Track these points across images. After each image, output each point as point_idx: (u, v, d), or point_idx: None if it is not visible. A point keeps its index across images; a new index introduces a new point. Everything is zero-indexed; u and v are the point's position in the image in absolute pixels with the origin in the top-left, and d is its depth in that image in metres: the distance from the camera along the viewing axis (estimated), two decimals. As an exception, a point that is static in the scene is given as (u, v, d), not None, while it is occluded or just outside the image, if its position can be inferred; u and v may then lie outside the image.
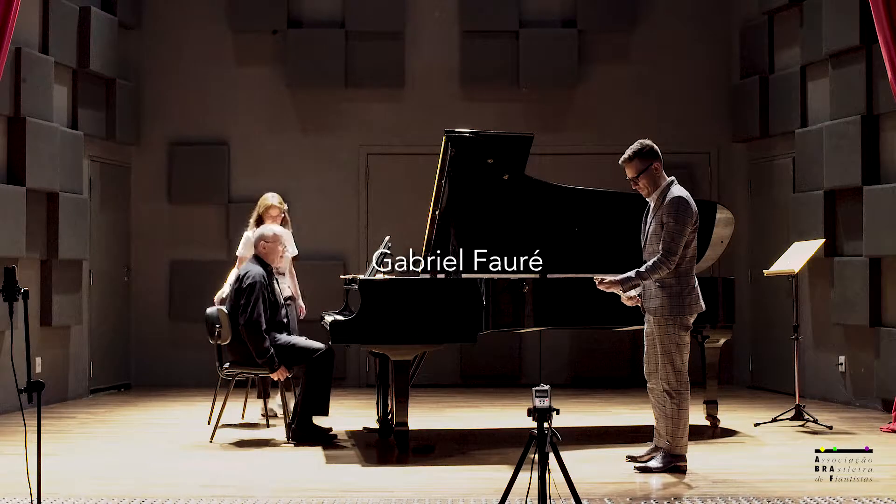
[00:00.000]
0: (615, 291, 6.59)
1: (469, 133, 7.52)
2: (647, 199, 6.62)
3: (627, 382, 11.06)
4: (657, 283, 6.46)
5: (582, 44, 11.53)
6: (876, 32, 8.27)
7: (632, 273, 6.46)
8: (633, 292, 6.62)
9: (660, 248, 6.40)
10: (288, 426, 7.73)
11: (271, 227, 8.07)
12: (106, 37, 10.67)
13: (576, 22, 11.54)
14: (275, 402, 8.70)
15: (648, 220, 6.60)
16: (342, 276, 8.76)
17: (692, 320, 6.51)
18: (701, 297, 6.54)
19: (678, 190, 6.52)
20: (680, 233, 6.38)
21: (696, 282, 6.54)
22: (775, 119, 10.74)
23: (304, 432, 7.62)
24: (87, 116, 10.48)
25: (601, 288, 6.58)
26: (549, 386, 4.93)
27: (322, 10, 11.57)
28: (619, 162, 6.60)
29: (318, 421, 7.79)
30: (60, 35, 9.95)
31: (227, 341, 7.76)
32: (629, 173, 6.57)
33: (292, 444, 7.56)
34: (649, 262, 6.42)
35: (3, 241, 8.89)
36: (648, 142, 6.59)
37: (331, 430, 7.77)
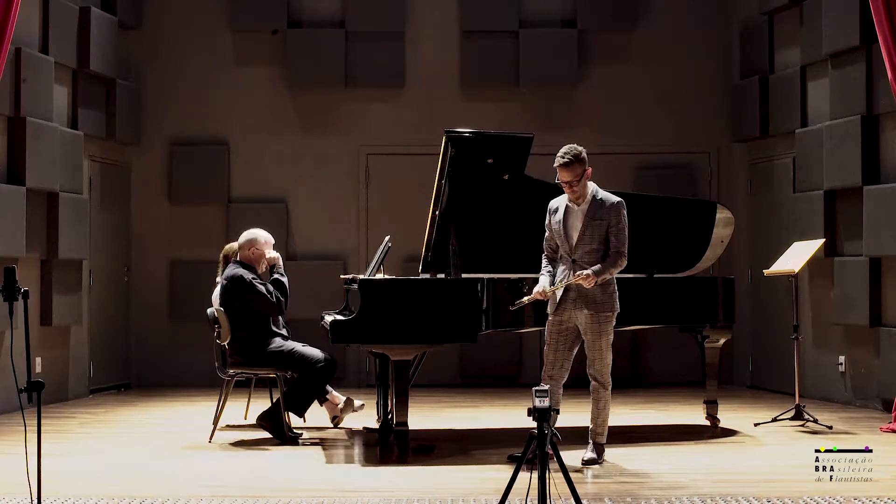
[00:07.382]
0: (584, 284, 6.59)
1: (469, 133, 7.51)
2: (572, 202, 6.68)
3: (627, 382, 11.05)
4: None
5: (582, 44, 11.53)
6: (876, 32, 8.27)
7: (603, 268, 6.58)
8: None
9: (617, 247, 6.59)
10: (264, 413, 7.77)
11: (264, 233, 7.99)
12: (106, 37, 10.67)
13: (576, 22, 11.53)
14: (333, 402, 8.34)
15: (569, 219, 6.66)
16: (342, 276, 8.76)
17: None
18: None
19: (607, 193, 6.74)
20: (625, 232, 6.68)
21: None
22: (775, 119, 10.74)
23: (272, 423, 7.67)
24: (87, 116, 10.48)
25: (580, 281, 6.57)
26: (549, 386, 4.93)
27: (322, 10, 11.57)
28: (556, 165, 6.62)
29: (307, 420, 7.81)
30: (60, 35, 9.95)
31: (227, 341, 7.76)
32: (566, 177, 6.60)
33: (257, 423, 7.78)
34: (610, 259, 6.58)
35: (3, 241, 8.89)
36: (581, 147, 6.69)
37: (301, 434, 7.75)
